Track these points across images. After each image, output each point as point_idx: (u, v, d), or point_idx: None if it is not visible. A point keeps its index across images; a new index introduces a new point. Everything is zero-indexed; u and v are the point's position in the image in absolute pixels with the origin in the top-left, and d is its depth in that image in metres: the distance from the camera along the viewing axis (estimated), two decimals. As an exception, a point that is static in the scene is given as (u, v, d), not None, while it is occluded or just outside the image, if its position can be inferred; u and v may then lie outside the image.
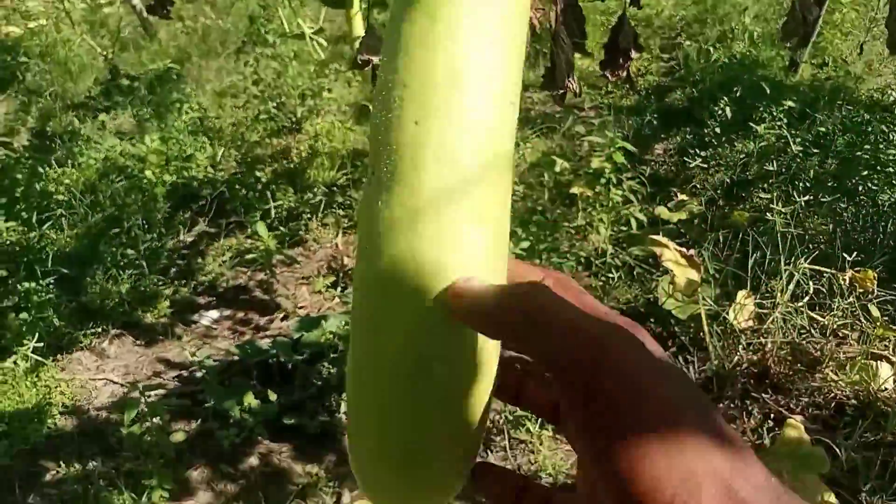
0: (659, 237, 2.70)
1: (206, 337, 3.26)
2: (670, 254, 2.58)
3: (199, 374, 2.97)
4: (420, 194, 0.40)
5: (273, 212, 3.87)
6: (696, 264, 2.65)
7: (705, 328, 2.74)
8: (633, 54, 1.50)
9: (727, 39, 5.86)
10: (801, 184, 3.64)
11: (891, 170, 3.46)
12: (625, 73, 1.53)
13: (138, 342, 3.25)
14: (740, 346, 2.77)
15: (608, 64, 1.51)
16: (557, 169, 3.94)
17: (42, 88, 5.34)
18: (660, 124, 4.77)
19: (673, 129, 4.72)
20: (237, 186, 3.99)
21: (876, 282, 2.47)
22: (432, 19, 0.41)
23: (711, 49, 5.57)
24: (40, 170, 3.99)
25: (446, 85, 0.40)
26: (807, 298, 2.75)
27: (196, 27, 6.10)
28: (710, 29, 6.08)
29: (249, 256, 3.57)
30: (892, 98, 3.88)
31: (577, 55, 1.38)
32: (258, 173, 4.07)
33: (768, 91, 4.21)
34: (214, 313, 3.40)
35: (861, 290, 2.51)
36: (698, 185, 3.94)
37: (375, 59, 1.35)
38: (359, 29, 2.04)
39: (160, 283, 3.47)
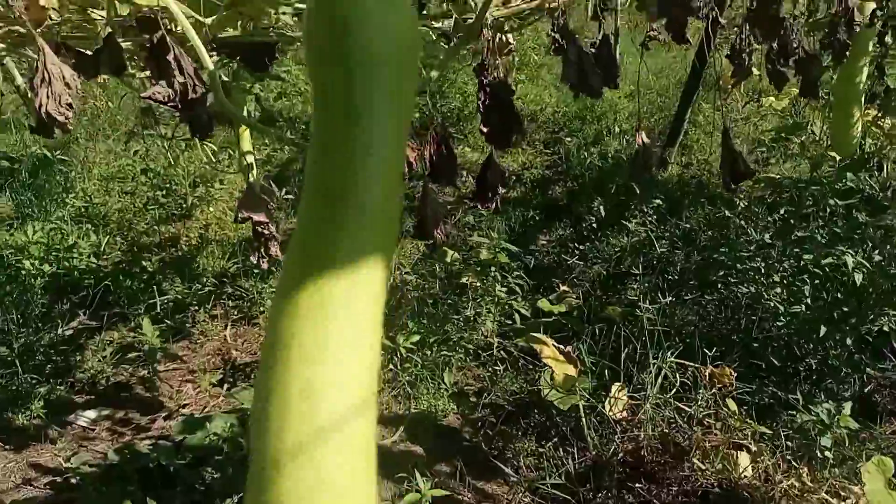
0: (539, 335, 2.86)
1: (83, 439, 3.10)
2: (549, 350, 2.74)
3: (73, 481, 2.81)
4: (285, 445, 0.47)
5: (159, 304, 3.78)
6: (573, 360, 2.82)
7: (583, 420, 2.90)
8: (501, 190, 1.65)
9: (603, 137, 6.35)
10: (668, 277, 3.96)
11: (747, 265, 3.83)
12: (493, 206, 1.68)
13: (7, 447, 3.05)
14: (616, 437, 2.94)
15: (479, 198, 1.66)
16: (448, 259, 4.10)
17: None
18: (543, 217, 5.07)
19: (555, 221, 5.03)
20: (121, 277, 3.89)
21: (734, 376, 2.71)
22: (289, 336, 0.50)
23: (589, 147, 6.02)
24: None
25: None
26: (674, 391, 2.97)
27: (84, 108, 5.98)
28: (589, 126, 6.57)
29: (132, 354, 3.46)
30: (741, 202, 4.30)
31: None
32: (144, 262, 3.98)
33: (638, 190, 4.59)
34: (92, 413, 3.25)
35: (720, 385, 2.75)
36: (577, 278, 4.20)
37: (256, 217, 1.42)
38: (247, 144, 2.12)
39: (34, 381, 3.29)
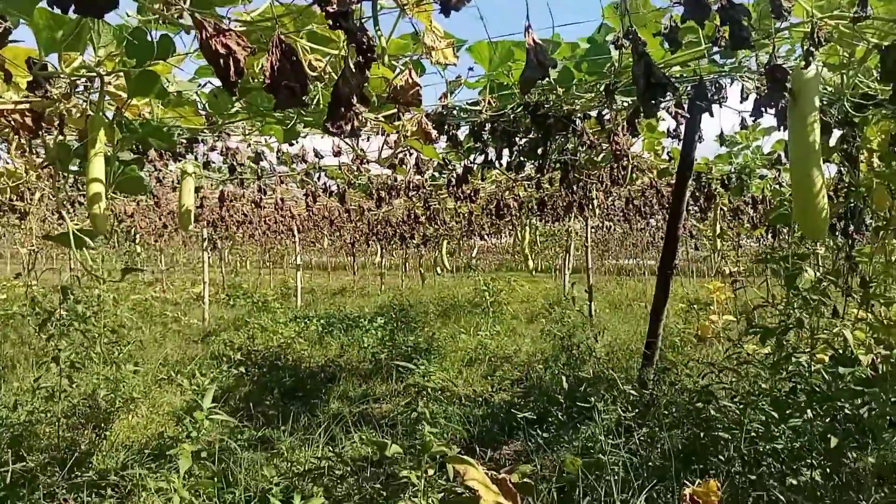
0: (465, 457, 2.30)
1: None
2: (476, 474, 2.16)
3: None
4: None
5: None
6: (512, 493, 2.22)
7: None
8: (356, 105, 1.45)
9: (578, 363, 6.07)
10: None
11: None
12: (349, 128, 1.46)
13: None
14: None
15: (331, 116, 1.45)
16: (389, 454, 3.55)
17: None
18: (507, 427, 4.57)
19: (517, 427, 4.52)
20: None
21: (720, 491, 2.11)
22: None
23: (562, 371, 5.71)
24: None
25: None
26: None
27: None
28: (562, 355, 6.33)
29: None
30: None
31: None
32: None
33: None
34: None
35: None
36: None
37: None
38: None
39: None
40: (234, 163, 4.15)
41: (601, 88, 3.02)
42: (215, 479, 3.25)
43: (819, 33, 2.17)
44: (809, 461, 3.06)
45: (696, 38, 2.57)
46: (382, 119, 2.63)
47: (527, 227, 8.56)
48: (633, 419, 3.91)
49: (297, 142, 3.60)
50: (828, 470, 3.04)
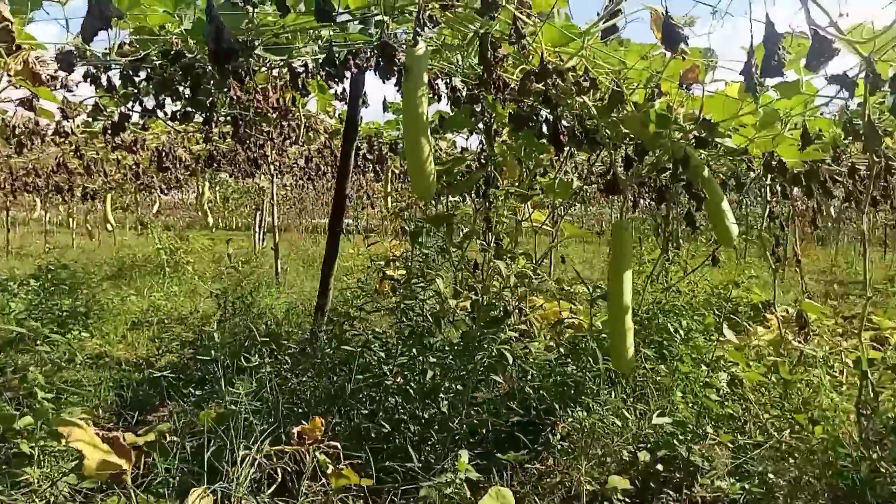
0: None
1: None
2: (82, 434, 2.07)
3: None
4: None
5: None
6: (125, 450, 2.17)
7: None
8: None
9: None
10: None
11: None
12: None
13: None
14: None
15: None
16: None
17: None
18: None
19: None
20: None
21: (324, 427, 2.31)
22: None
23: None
24: None
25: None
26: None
27: None
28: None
29: None
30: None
31: None
32: None
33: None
34: None
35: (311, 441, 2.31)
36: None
37: None
38: None
39: None
40: None
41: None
42: None
43: (424, 15, 2.42)
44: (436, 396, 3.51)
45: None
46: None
47: (206, 183, 8.20)
48: (291, 370, 4.06)
49: None
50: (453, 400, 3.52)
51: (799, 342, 3.30)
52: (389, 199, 7.13)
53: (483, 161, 5.08)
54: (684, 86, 2.49)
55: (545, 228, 5.29)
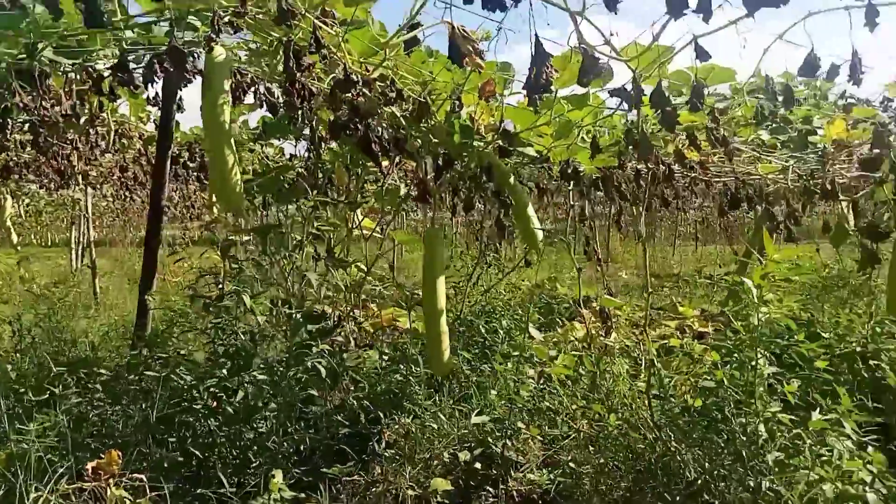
0: None
1: None
2: None
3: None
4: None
5: None
6: None
7: None
8: None
9: None
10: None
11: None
12: None
13: None
14: None
15: None
16: None
17: None
18: None
19: None
20: None
21: (121, 460, 2.14)
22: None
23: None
24: None
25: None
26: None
27: None
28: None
29: None
30: None
31: None
32: None
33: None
34: None
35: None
36: None
37: None
38: None
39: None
40: None
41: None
42: None
43: (218, 21, 2.33)
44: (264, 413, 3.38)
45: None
46: None
47: (8, 197, 7.39)
48: (102, 399, 3.77)
49: None
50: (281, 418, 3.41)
51: (600, 336, 3.56)
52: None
53: (310, 169, 5.00)
54: (484, 98, 2.59)
55: (375, 235, 5.30)
